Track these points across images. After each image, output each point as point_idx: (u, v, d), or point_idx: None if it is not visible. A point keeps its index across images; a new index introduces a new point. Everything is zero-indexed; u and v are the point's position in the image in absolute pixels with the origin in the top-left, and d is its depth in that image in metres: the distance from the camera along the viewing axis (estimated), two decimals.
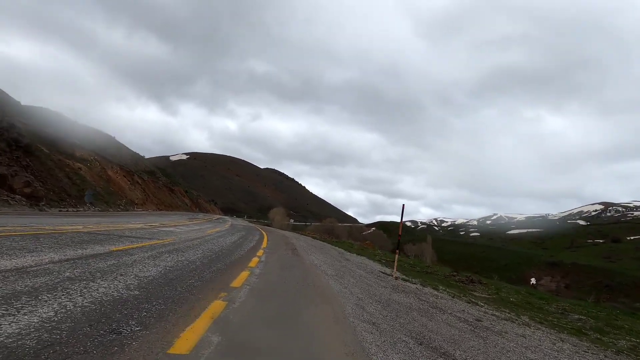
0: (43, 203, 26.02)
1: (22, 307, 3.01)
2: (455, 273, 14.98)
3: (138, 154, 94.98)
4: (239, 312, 3.68)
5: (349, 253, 16.24)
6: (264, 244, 12.83)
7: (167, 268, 5.62)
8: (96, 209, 34.29)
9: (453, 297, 7.68)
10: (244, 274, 5.91)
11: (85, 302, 3.35)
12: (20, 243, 6.43)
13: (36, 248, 6.12)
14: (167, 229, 15.68)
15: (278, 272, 6.57)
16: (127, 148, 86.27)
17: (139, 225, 15.93)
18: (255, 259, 8.00)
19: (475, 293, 10.18)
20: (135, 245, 8.01)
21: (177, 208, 77.88)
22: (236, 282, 5.17)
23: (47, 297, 3.39)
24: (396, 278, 8.81)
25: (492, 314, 6.43)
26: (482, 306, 7.45)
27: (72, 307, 3.15)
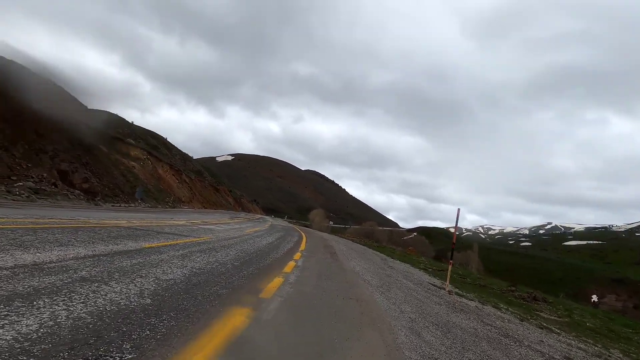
0: (99, 198, 27.50)
1: (6, 315, 2.47)
2: (512, 287, 13.31)
3: (187, 154, 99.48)
4: (264, 336, 2.93)
5: (391, 259, 15.11)
6: (302, 247, 12.14)
7: (194, 270, 5.04)
8: (146, 205, 35.87)
9: (521, 320, 6.41)
10: (277, 281, 5.19)
11: (84, 313, 2.76)
12: (57, 236, 6.21)
13: (69, 242, 5.84)
14: (208, 226, 15.56)
15: (315, 281, 5.78)
16: (177, 149, 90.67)
17: (181, 222, 15.97)
18: (291, 263, 7.30)
19: (542, 314, 8.71)
20: (169, 243, 7.64)
21: (221, 206, 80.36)
22: (267, 292, 4.44)
23: (44, 302, 2.85)
24: (450, 292, 7.67)
25: (578, 347, 5.15)
26: (558, 333, 6.14)
27: (63, 319, 2.57)
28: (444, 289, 8.34)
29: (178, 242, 8.13)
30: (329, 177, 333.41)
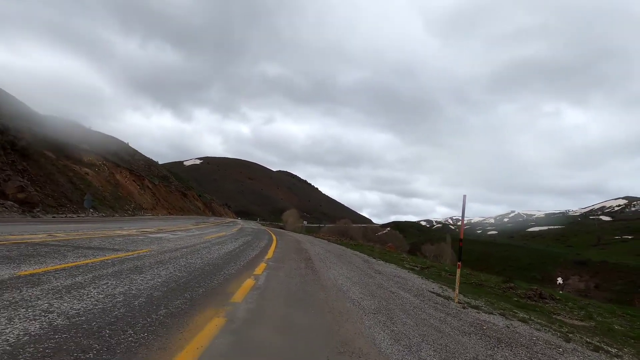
0: (38, 209, 23.89)
1: None
2: (510, 283, 11.83)
3: (152, 159, 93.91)
4: None
5: (374, 260, 13.26)
6: (270, 253, 10.01)
7: (54, 325, 2.82)
8: (100, 214, 32.22)
9: (566, 340, 4.67)
10: (213, 325, 3.09)
11: None
12: None
13: None
14: (159, 235, 13.07)
15: (281, 314, 3.73)
16: (141, 154, 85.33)
17: (126, 232, 13.36)
18: (248, 282, 5.20)
19: (562, 318, 7.11)
20: (77, 263, 5.31)
21: (189, 212, 76.12)
22: None
23: None
24: (463, 306, 5.84)
25: None
26: (599, 346, 4.48)
27: None
28: (451, 298, 6.51)
29: (94, 260, 5.79)
30: (302, 177, 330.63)
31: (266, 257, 8.80)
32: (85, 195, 35.39)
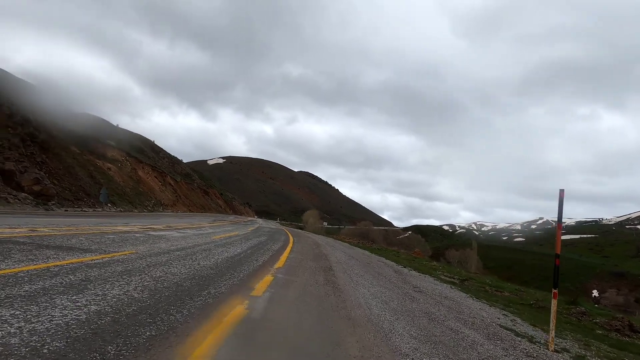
0: (53, 202, 23.16)
1: None
2: (578, 306, 9.48)
3: (176, 157, 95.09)
4: None
5: (405, 270, 11.18)
6: (283, 260, 8.17)
7: None
8: (118, 209, 31.56)
9: None
10: None
11: None
12: None
13: None
14: (163, 232, 11.56)
15: None
16: (166, 152, 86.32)
17: (128, 228, 11.93)
18: (236, 312, 3.37)
19: None
20: (3, 272, 3.65)
21: (210, 210, 75.92)
22: None
23: None
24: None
25: None
26: None
27: None
28: (537, 341, 4.43)
29: (38, 267, 4.13)
30: (323, 178, 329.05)
31: (276, 265, 6.96)
32: (100, 189, 34.92)
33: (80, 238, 7.67)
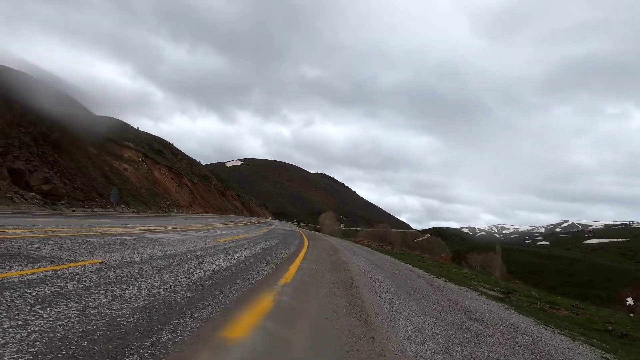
0: (63, 202, 22.38)
1: None
2: None
3: (194, 159, 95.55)
4: None
5: (440, 281, 9.34)
6: (293, 270, 6.52)
7: None
8: (131, 209, 30.81)
9: None
10: None
11: None
12: None
13: None
14: (161, 235, 10.17)
15: None
16: (184, 154, 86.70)
17: (123, 230, 10.58)
18: None
19: None
20: None
21: (227, 211, 75.35)
22: None
23: None
24: None
25: None
26: None
27: None
28: None
29: None
30: (339, 180, 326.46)
31: (282, 279, 5.30)
32: (121, 190, 34.21)
33: (50, 242, 6.26)
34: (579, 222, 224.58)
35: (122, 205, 30.97)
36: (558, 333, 5.14)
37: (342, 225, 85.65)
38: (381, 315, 3.98)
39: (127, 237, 8.62)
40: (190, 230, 14.25)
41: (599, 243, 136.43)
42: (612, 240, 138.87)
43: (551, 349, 3.91)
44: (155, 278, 4.25)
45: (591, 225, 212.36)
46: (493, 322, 4.75)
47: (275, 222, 57.75)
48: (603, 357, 4.16)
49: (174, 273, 4.73)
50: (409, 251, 26.28)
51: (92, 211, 23.25)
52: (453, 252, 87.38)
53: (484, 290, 10.20)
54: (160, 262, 5.53)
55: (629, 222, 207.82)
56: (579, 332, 5.95)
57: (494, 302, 7.51)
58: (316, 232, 42.82)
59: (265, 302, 3.77)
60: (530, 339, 4.23)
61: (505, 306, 7.04)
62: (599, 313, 9.71)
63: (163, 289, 3.76)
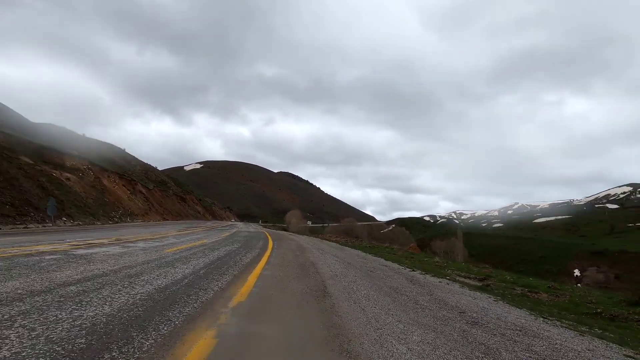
0: None
1: None
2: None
3: (150, 165, 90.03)
4: None
5: (416, 272, 8.62)
6: (252, 279, 5.38)
7: None
8: (75, 222, 27.69)
9: None
10: None
11: None
12: None
13: None
14: (101, 249, 8.56)
15: None
16: (138, 160, 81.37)
17: (48, 248, 8.79)
18: None
19: None
20: None
21: (188, 217, 71.61)
22: None
23: None
24: None
25: None
26: None
27: None
28: None
29: None
30: (303, 178, 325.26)
31: (237, 297, 4.16)
32: (62, 202, 30.81)
33: None
34: (528, 204, 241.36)
35: (64, 219, 27.76)
36: (562, 327, 4.46)
37: (309, 223, 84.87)
38: (367, 338, 2.98)
39: (47, 257, 6.99)
40: (138, 240, 12.53)
41: (546, 221, 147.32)
42: (557, 217, 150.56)
43: (574, 356, 3.15)
44: (46, 318, 2.94)
45: (539, 205, 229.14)
46: (495, 325, 3.96)
47: (240, 225, 55.61)
48: (626, 356, 3.48)
49: (82, 305, 3.42)
50: (377, 244, 25.88)
51: (24, 227, 20.36)
52: (417, 240, 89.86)
53: (461, 279, 9.66)
54: (72, 288, 4.16)
55: (570, 200, 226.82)
56: (575, 320, 5.39)
57: (478, 293, 6.85)
58: (283, 232, 41.51)
59: (203, 341, 2.63)
60: (546, 343, 3.46)
61: (492, 297, 6.39)
62: (576, 292, 9.50)
63: (46, 337, 2.50)
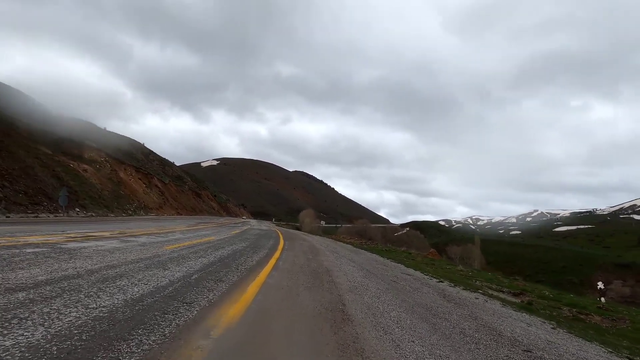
0: (0, 207, 19.16)
1: None
2: None
3: (167, 160, 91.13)
4: None
5: (443, 284, 7.41)
6: (254, 288, 4.34)
7: None
8: (88, 213, 27.45)
9: None
10: None
11: None
12: None
13: None
14: (97, 243, 7.72)
15: None
16: (156, 154, 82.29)
17: (39, 239, 8.01)
18: None
19: None
20: None
21: (202, 212, 71.72)
22: None
23: None
24: None
25: None
26: None
27: None
28: None
29: None
30: (318, 177, 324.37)
31: (227, 315, 3.12)
32: (77, 192, 30.79)
33: None
34: (548, 211, 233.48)
35: (77, 210, 27.57)
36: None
37: (323, 223, 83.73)
38: None
39: (28, 250, 6.12)
40: (141, 235, 11.70)
41: (568, 230, 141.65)
42: (579, 227, 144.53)
43: None
44: None
45: (559, 214, 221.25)
46: None
47: (253, 222, 55.02)
48: None
49: (22, 321, 2.42)
50: (394, 247, 24.54)
51: (35, 217, 20.01)
52: (432, 245, 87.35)
53: (496, 294, 8.36)
54: (21, 295, 3.18)
55: (593, 209, 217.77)
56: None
57: (525, 315, 5.59)
58: (295, 231, 40.54)
59: None
60: None
61: (547, 323, 5.12)
62: (633, 315, 8.05)
63: None
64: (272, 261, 7.62)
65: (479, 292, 7.77)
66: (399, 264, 11.80)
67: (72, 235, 9.67)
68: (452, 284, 8.21)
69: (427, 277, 8.93)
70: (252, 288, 4.47)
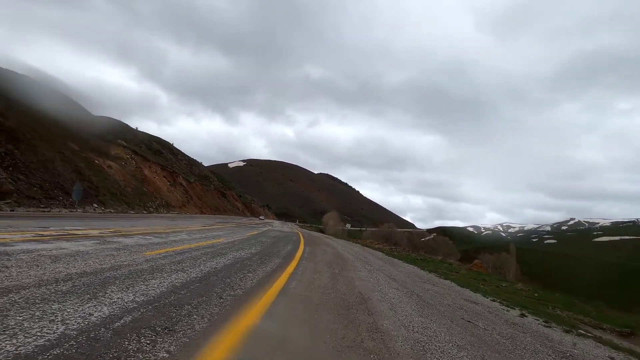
0: (11, 200, 18.09)
1: None
2: None
3: (195, 160, 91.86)
4: None
5: (533, 320, 4.78)
6: (241, 328, 2.02)
7: None
8: (107, 209, 26.38)
9: None
10: None
11: None
12: None
13: None
14: (46, 245, 5.69)
15: None
16: (184, 154, 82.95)
17: (19, 237, 6.15)
18: None
19: None
20: None
21: (226, 212, 71.07)
22: None
23: None
24: None
25: None
26: None
27: None
28: None
29: None
30: (343, 180, 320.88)
31: None
32: (98, 188, 29.90)
33: None
34: (586, 220, 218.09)
35: (95, 205, 26.49)
36: None
37: (348, 226, 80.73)
38: None
39: None
40: (137, 234, 9.74)
41: (610, 240, 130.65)
42: (623, 237, 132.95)
43: None
44: None
45: (598, 223, 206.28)
46: None
47: (276, 223, 53.26)
48: None
49: None
50: (428, 256, 21.61)
51: (47, 211, 18.79)
52: (461, 252, 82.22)
53: (598, 334, 5.61)
54: None
55: (637, 219, 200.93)
56: None
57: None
58: (319, 234, 38.20)
59: None
60: None
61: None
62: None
63: None
64: (283, 279, 5.30)
65: (577, 331, 5.08)
66: (448, 281, 9.17)
67: (51, 233, 7.76)
68: (544, 322, 5.53)
69: (501, 306, 6.29)
70: (230, 345, 2.13)
